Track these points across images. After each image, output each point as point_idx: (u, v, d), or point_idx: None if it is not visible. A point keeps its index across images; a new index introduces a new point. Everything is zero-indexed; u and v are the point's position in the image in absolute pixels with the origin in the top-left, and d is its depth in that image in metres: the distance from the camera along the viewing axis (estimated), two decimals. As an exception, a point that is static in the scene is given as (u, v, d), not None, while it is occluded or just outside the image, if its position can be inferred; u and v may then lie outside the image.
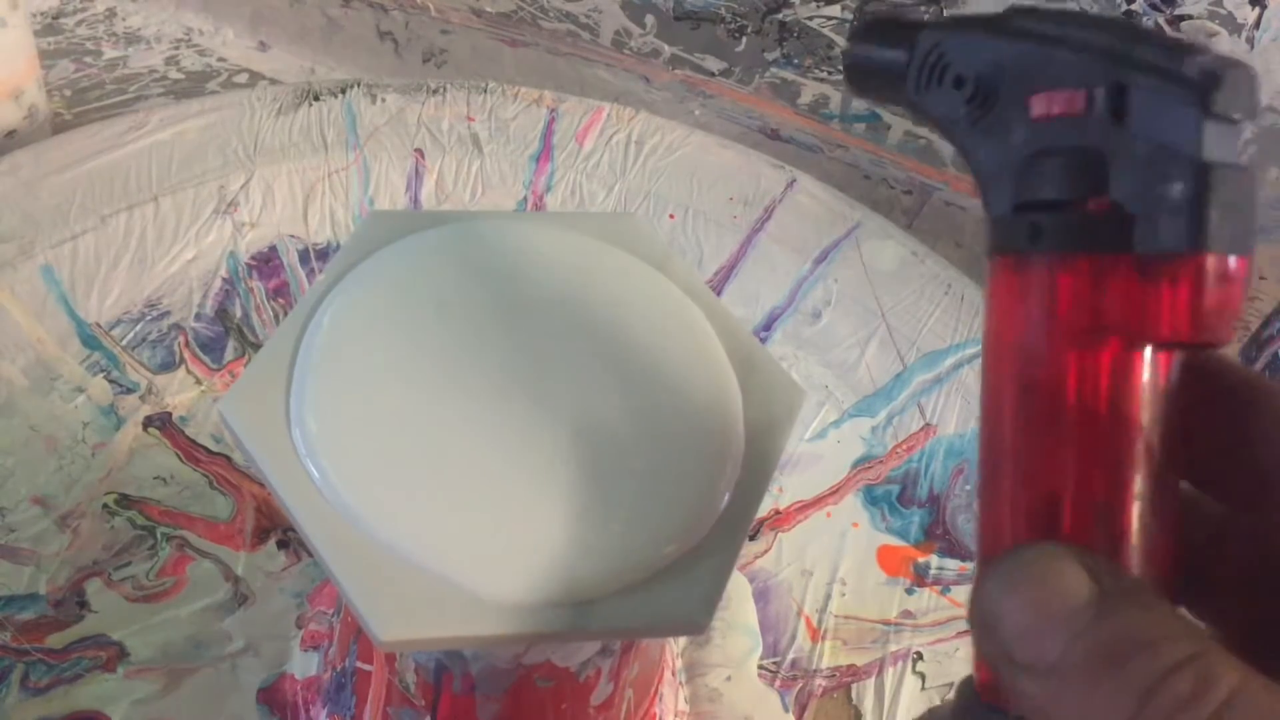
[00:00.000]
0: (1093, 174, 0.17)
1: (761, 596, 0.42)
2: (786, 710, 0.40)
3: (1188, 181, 0.17)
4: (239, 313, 0.47)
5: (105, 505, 0.40)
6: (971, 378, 0.49)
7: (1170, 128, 0.17)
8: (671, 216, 0.53)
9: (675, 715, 0.38)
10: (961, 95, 0.19)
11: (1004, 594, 0.17)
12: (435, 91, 0.55)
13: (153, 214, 0.48)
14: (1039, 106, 0.18)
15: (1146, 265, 0.17)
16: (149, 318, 0.46)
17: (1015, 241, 0.18)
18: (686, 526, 0.25)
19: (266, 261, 0.48)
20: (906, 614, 0.43)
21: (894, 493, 0.46)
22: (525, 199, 0.52)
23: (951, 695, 0.20)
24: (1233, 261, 0.17)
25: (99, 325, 0.45)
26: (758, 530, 0.44)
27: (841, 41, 0.55)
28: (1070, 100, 0.18)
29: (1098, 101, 0.17)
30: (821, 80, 0.57)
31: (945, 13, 0.20)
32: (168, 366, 0.44)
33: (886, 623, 0.42)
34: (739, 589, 0.42)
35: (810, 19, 0.55)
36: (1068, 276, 0.18)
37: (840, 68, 0.55)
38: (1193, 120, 0.17)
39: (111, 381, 0.43)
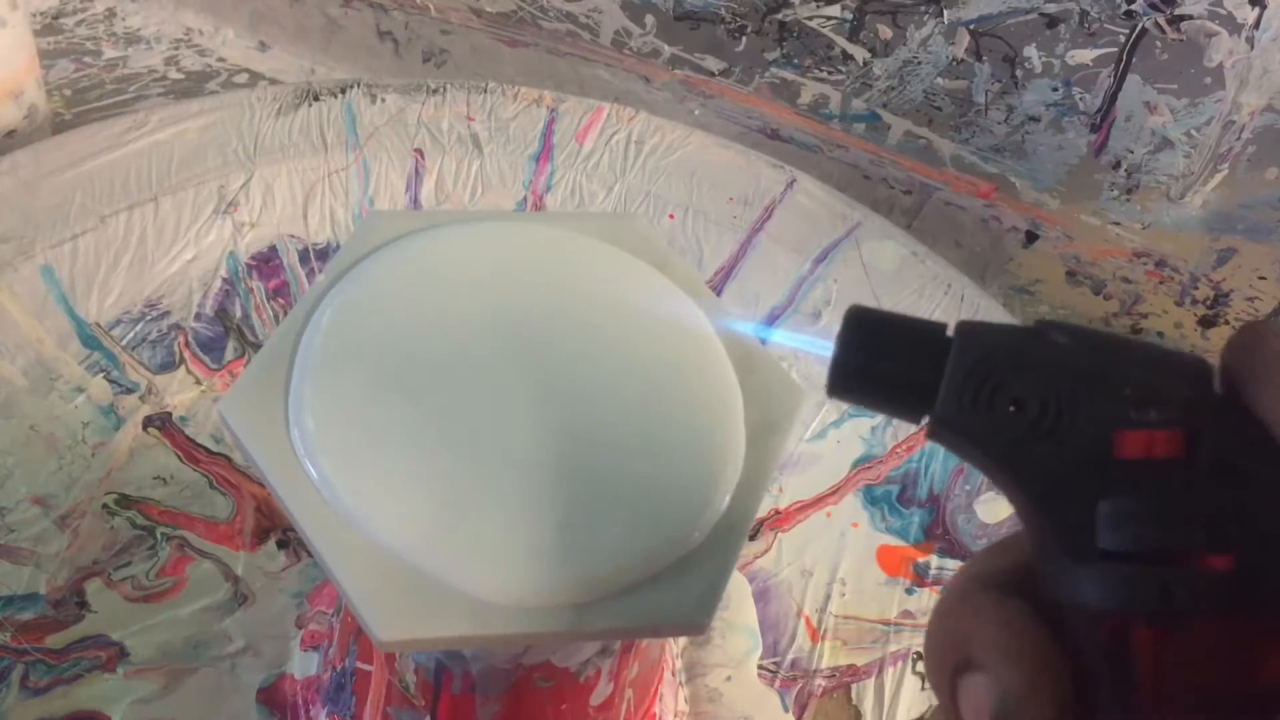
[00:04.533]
0: (1207, 524, 0.16)
1: (761, 596, 0.42)
2: (786, 710, 0.40)
3: None
4: (239, 313, 0.47)
5: (105, 505, 0.40)
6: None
7: None
8: (671, 216, 0.53)
9: (675, 715, 0.38)
10: (1021, 420, 0.17)
11: None
12: (435, 91, 0.55)
13: (153, 214, 0.48)
14: (1131, 446, 0.16)
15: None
16: (149, 318, 0.46)
17: (1138, 596, 0.16)
18: (686, 526, 0.25)
19: (266, 261, 0.48)
20: (906, 614, 0.43)
21: (894, 493, 0.46)
22: (525, 199, 0.52)
23: None
24: None
25: (99, 325, 0.45)
26: (758, 530, 0.44)
27: (842, 42, 0.55)
28: (1171, 442, 0.16)
29: (1205, 449, 0.16)
30: (821, 80, 0.57)
31: (960, 320, 0.18)
32: (168, 366, 0.44)
33: (886, 623, 0.42)
34: (739, 589, 0.42)
35: (810, 19, 0.55)
36: (1226, 637, 0.16)
37: (841, 70, 0.55)
38: None
39: (111, 381, 0.43)
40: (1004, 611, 0.17)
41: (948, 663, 0.18)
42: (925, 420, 0.18)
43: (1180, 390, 0.17)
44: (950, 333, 0.18)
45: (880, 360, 0.18)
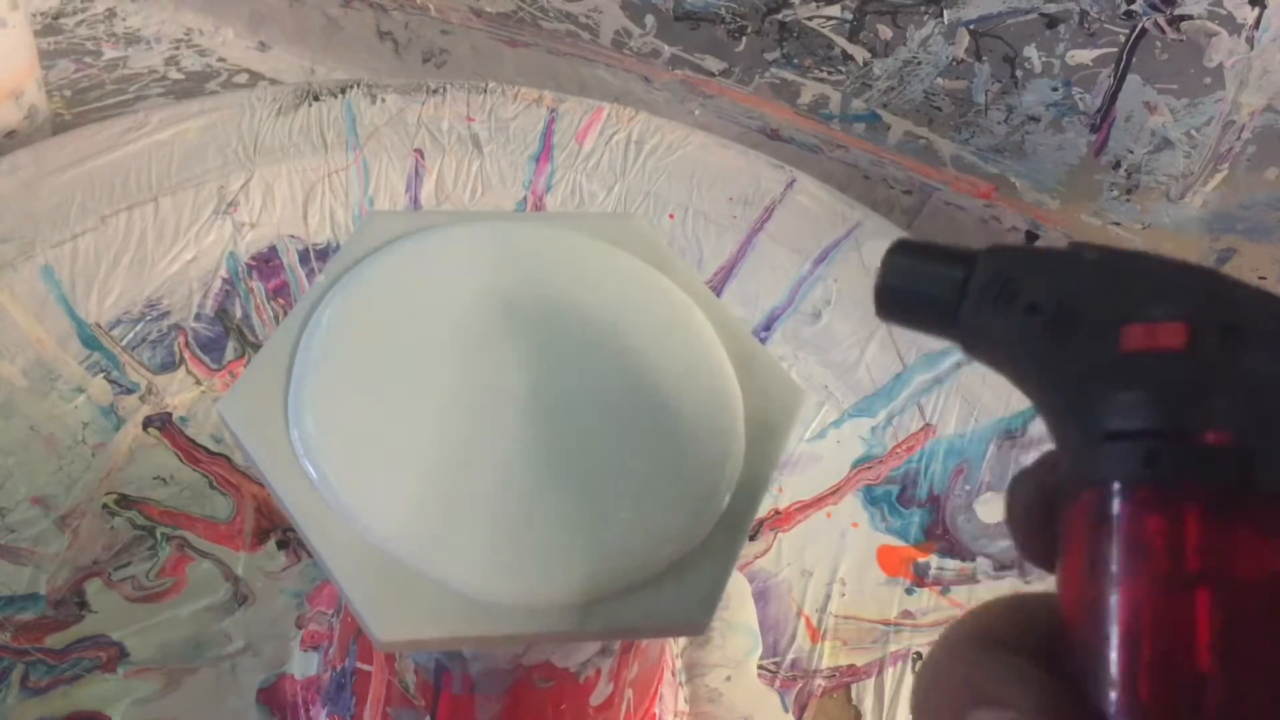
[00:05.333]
0: (1205, 407, 0.17)
1: (761, 596, 0.42)
2: (786, 710, 0.40)
3: None
4: (239, 313, 0.47)
5: (105, 505, 0.40)
6: (972, 378, 0.49)
7: None
8: (671, 216, 0.53)
9: (675, 715, 0.38)
10: (1035, 320, 0.18)
11: None
12: (435, 91, 0.55)
13: (153, 214, 0.48)
14: (1135, 339, 0.17)
15: (1267, 503, 0.16)
16: (149, 318, 0.46)
17: (1125, 468, 0.17)
18: (686, 527, 0.25)
19: (266, 261, 0.48)
20: (906, 614, 0.43)
21: (894, 493, 0.46)
22: (525, 199, 0.52)
23: None
24: None
25: (99, 325, 0.45)
26: (758, 530, 0.44)
27: (842, 42, 0.55)
28: (1174, 334, 0.17)
29: (1205, 336, 0.17)
30: (821, 80, 0.57)
31: (991, 244, 0.20)
32: (168, 366, 0.44)
33: (886, 623, 0.42)
34: (739, 589, 0.42)
35: (810, 19, 0.55)
36: (1189, 510, 0.17)
37: (841, 70, 0.55)
38: None
39: (111, 381, 0.43)
40: (1010, 660, 0.18)
41: (957, 702, 0.18)
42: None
43: (1183, 289, 0.18)
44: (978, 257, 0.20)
45: (916, 282, 0.20)
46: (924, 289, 0.20)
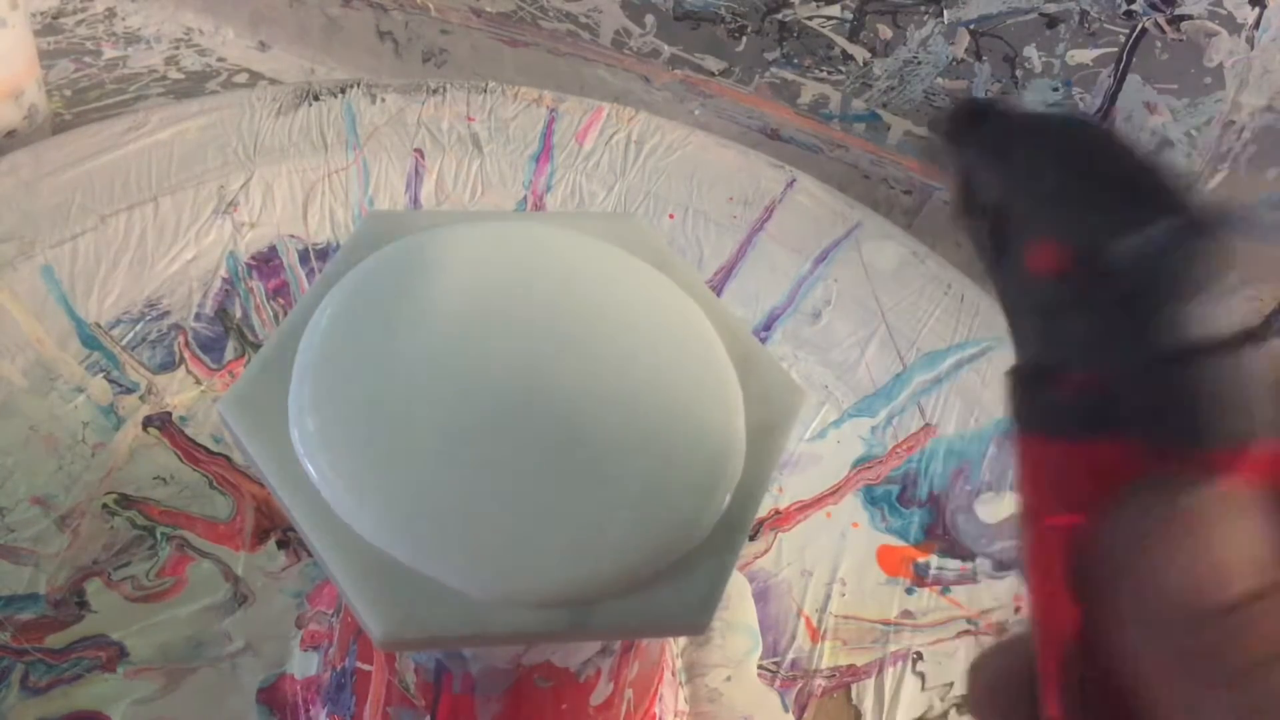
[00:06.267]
0: (1077, 344, 0.16)
1: (761, 596, 0.42)
2: (786, 710, 0.40)
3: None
4: (239, 313, 0.47)
5: (105, 505, 0.40)
6: (972, 378, 0.49)
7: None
8: (671, 216, 0.53)
9: (675, 715, 0.38)
10: (985, 227, 0.17)
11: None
12: (435, 91, 0.55)
13: (153, 214, 0.48)
14: (1034, 258, 0.16)
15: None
16: (149, 318, 0.46)
17: (1017, 411, 0.17)
18: (686, 526, 0.25)
19: (266, 261, 0.48)
20: (906, 614, 0.43)
21: (894, 493, 0.46)
22: (525, 199, 0.52)
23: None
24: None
25: (99, 325, 0.45)
26: (758, 530, 0.44)
27: (842, 42, 0.55)
28: (1061, 257, 0.16)
29: (1093, 272, 0.15)
30: (821, 80, 0.57)
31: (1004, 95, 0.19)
32: (168, 366, 0.44)
33: (886, 623, 0.42)
34: (739, 589, 0.42)
35: (810, 19, 0.55)
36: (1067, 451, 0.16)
37: (841, 70, 0.55)
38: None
39: (111, 381, 0.43)
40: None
41: None
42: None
43: (1100, 212, 0.16)
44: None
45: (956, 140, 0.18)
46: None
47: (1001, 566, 0.44)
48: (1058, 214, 0.16)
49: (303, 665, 0.37)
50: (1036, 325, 0.16)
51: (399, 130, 0.53)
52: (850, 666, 0.41)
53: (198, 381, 0.44)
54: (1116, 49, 0.49)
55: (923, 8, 0.52)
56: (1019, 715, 0.18)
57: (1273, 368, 0.15)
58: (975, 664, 0.19)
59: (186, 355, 0.45)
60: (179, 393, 0.44)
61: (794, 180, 0.55)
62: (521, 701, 0.28)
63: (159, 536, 0.40)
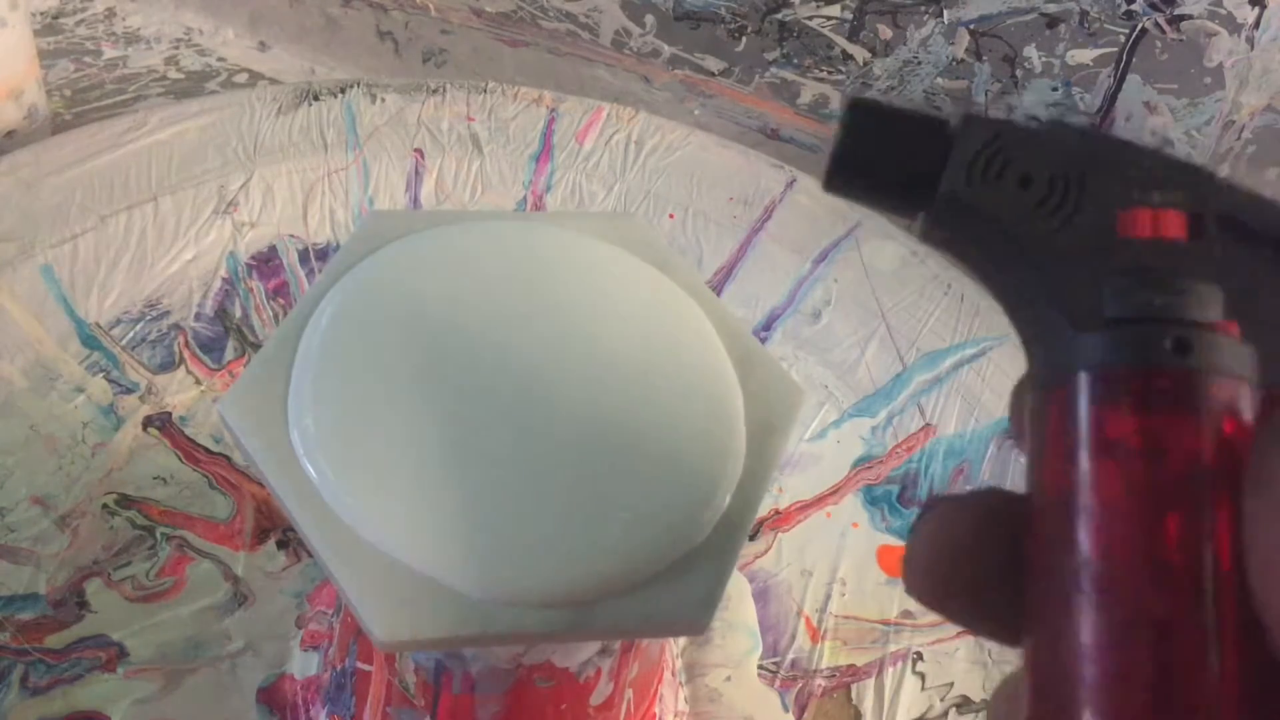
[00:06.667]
0: (1213, 298, 0.16)
1: (761, 596, 0.42)
2: (786, 710, 0.40)
3: None
4: (239, 313, 0.47)
5: (105, 505, 0.40)
6: (972, 378, 0.49)
7: None
8: (671, 216, 0.53)
9: (675, 715, 0.38)
10: (1030, 195, 0.18)
11: None
12: (435, 91, 0.55)
13: (152, 214, 0.48)
14: (1136, 224, 0.17)
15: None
16: (149, 318, 0.46)
17: (1146, 353, 0.16)
18: (686, 526, 0.25)
19: (266, 261, 0.48)
20: (906, 614, 0.43)
21: (894, 493, 0.46)
22: (525, 199, 0.52)
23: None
24: None
25: (99, 325, 0.45)
26: (758, 530, 0.44)
27: (842, 42, 0.55)
28: (1175, 222, 0.17)
29: (1205, 228, 0.17)
30: (821, 80, 0.57)
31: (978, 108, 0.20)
32: (167, 366, 0.44)
33: (886, 623, 0.42)
34: (739, 589, 0.42)
35: (810, 19, 0.55)
36: (1214, 394, 0.16)
37: (841, 70, 0.55)
38: None
39: (111, 381, 0.43)
40: None
41: None
42: (920, 217, 0.19)
43: (1183, 181, 0.17)
44: (955, 124, 0.18)
45: (883, 147, 0.18)
46: (897, 156, 0.18)
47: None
48: (1149, 183, 0.17)
49: (303, 665, 0.37)
50: (1134, 279, 0.17)
51: (399, 130, 0.53)
52: (850, 666, 0.41)
53: (198, 381, 0.44)
54: (1116, 49, 0.49)
55: (923, 8, 0.52)
56: (956, 585, 0.17)
57: None
58: (921, 523, 0.18)
59: (186, 355, 0.45)
60: (179, 393, 0.44)
61: (794, 180, 0.55)
62: (521, 701, 0.29)
63: (159, 536, 0.40)
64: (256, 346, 0.46)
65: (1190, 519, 0.16)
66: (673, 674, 0.39)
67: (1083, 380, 0.17)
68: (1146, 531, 0.16)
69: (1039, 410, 0.17)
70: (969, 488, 0.46)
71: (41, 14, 0.63)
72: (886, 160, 0.18)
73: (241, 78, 0.63)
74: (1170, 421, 0.16)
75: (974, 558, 0.17)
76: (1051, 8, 0.50)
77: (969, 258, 0.19)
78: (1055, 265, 0.17)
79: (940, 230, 0.18)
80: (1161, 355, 0.16)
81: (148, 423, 0.43)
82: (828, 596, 0.43)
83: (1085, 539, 0.16)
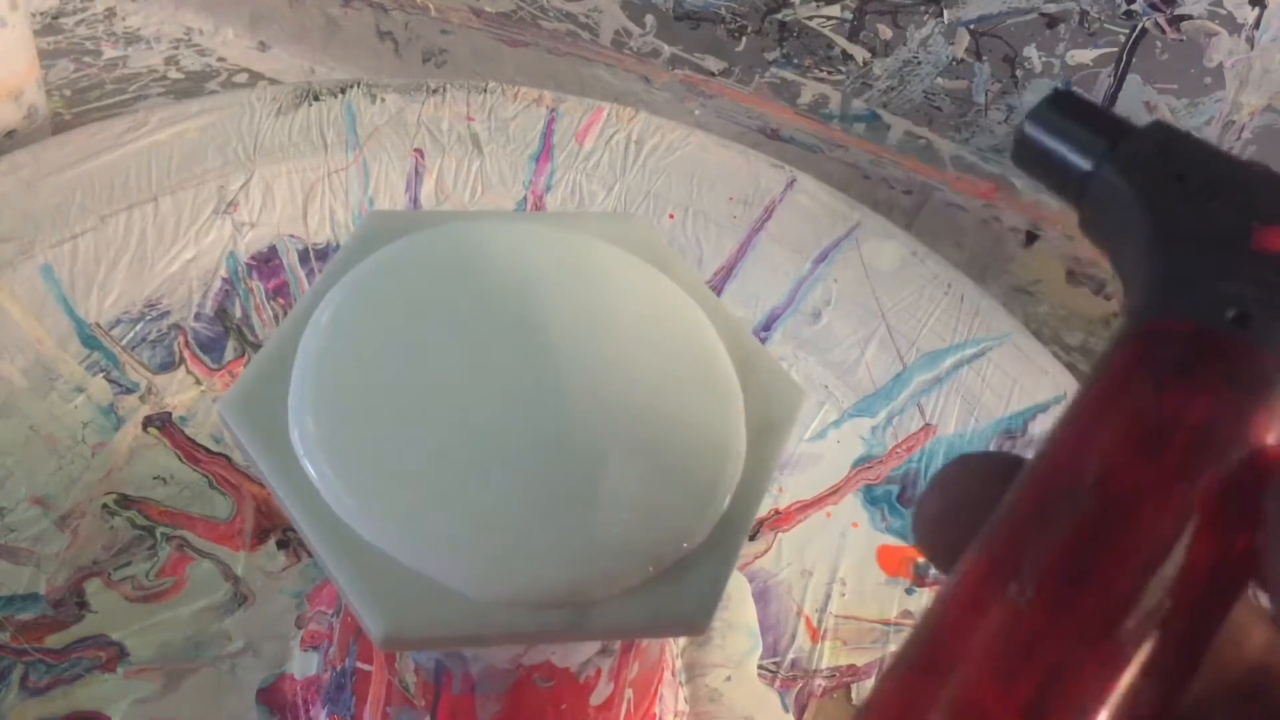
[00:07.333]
0: None
1: (761, 596, 0.42)
2: (786, 710, 0.40)
3: None
4: (239, 313, 0.47)
5: (105, 505, 0.40)
6: (972, 378, 0.49)
7: None
8: (671, 216, 0.53)
9: (675, 715, 0.38)
10: (1182, 188, 0.20)
11: None
12: (435, 91, 0.55)
13: (152, 214, 0.48)
14: (1269, 239, 0.18)
15: None
16: (149, 318, 0.46)
17: (1205, 313, 0.18)
18: (686, 526, 0.25)
19: (266, 261, 0.48)
20: (906, 614, 0.43)
21: (894, 493, 0.46)
22: (525, 199, 0.52)
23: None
24: None
25: (99, 325, 0.45)
26: (758, 530, 0.44)
27: (842, 42, 0.55)
28: None
29: None
30: (821, 80, 0.57)
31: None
32: (167, 366, 0.44)
33: (886, 623, 0.42)
34: (739, 589, 0.42)
35: (810, 19, 0.55)
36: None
37: (841, 70, 0.55)
38: None
39: (111, 381, 0.43)
40: None
41: None
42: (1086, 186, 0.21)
43: None
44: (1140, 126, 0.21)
45: (1065, 137, 0.21)
46: (1071, 144, 0.21)
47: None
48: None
49: (303, 665, 0.37)
50: (1255, 292, 0.18)
51: (399, 130, 0.53)
52: (850, 666, 0.41)
53: (198, 381, 0.44)
54: (1116, 49, 0.49)
55: (923, 8, 0.52)
56: (962, 539, 0.17)
57: None
58: (937, 475, 0.18)
59: (186, 355, 0.45)
60: (179, 393, 0.44)
61: (794, 180, 0.55)
62: (521, 701, 0.29)
63: (159, 536, 0.40)
64: (256, 346, 0.46)
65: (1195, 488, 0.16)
66: (673, 674, 0.39)
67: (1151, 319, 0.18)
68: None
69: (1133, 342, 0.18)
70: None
71: (41, 14, 0.63)
72: (1062, 150, 0.21)
73: (241, 78, 0.63)
74: (1224, 392, 0.17)
75: (982, 513, 0.17)
76: (1051, 8, 0.50)
77: (1107, 242, 0.21)
78: (1190, 253, 0.19)
79: (1088, 212, 0.21)
80: (1220, 320, 0.18)
81: (148, 423, 0.43)
82: (828, 596, 0.43)
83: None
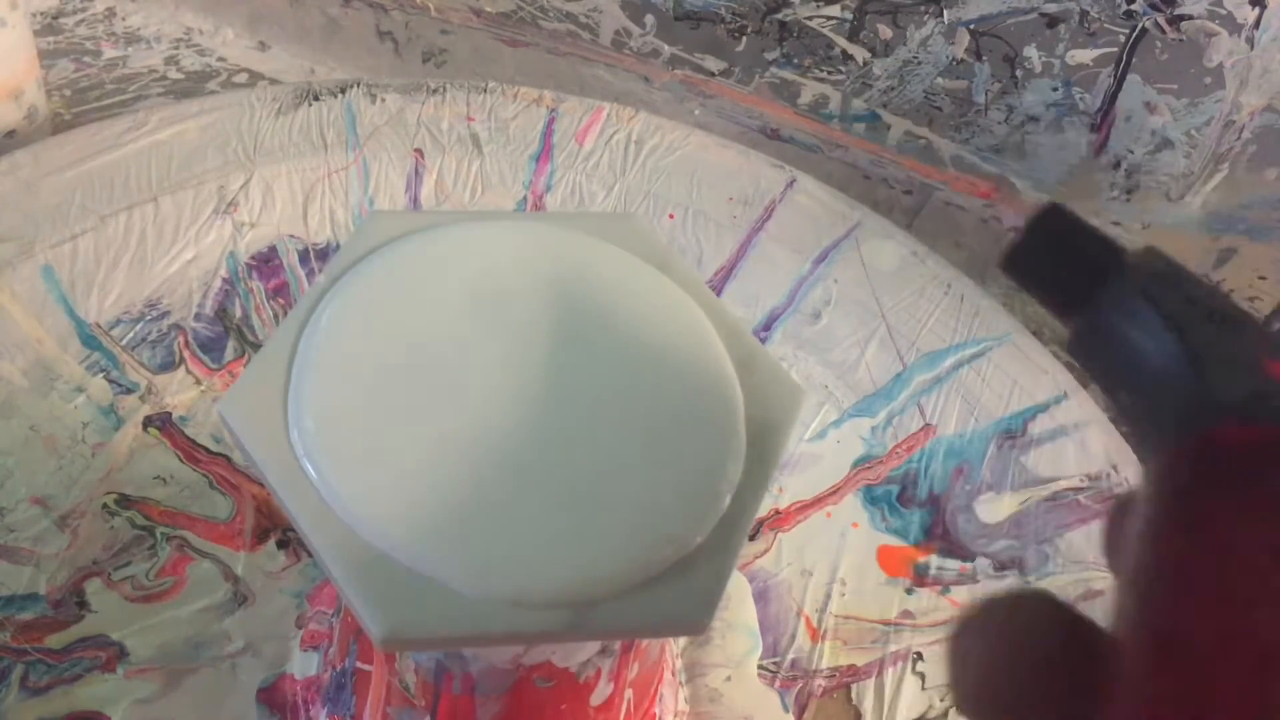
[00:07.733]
0: None
1: (761, 596, 0.42)
2: (786, 710, 0.40)
3: None
4: (239, 313, 0.47)
5: (105, 505, 0.40)
6: (972, 378, 0.49)
7: None
8: (671, 216, 0.53)
9: (675, 715, 0.38)
10: (1170, 339, 0.19)
11: None
12: (435, 91, 0.55)
13: (152, 214, 0.48)
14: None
15: None
16: (149, 318, 0.46)
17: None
18: (686, 527, 0.25)
19: (266, 261, 0.48)
20: (906, 614, 0.43)
21: (894, 493, 0.46)
22: (525, 199, 0.52)
23: None
24: None
25: (99, 325, 0.45)
26: (758, 530, 0.44)
27: (842, 42, 0.55)
28: None
29: None
30: (821, 80, 0.57)
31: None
32: (167, 366, 0.44)
33: (886, 623, 0.42)
34: (739, 589, 0.42)
35: (810, 19, 0.55)
36: None
37: (841, 70, 0.55)
38: None
39: (111, 381, 0.43)
40: None
41: None
42: (1076, 319, 0.21)
43: None
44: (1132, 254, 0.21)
45: (1062, 250, 0.21)
46: (1071, 261, 0.21)
47: (1001, 566, 0.44)
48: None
49: (303, 665, 0.37)
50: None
51: (399, 130, 0.53)
52: (850, 666, 0.41)
53: (198, 381, 0.44)
54: (1116, 49, 0.49)
55: (923, 8, 0.52)
56: (1042, 713, 0.15)
57: None
58: (959, 632, 0.17)
59: (186, 355, 0.45)
60: (179, 393, 0.44)
61: (794, 180, 0.55)
62: (521, 702, 0.29)
63: (159, 536, 0.40)
64: (256, 346, 0.46)
65: None
66: (673, 674, 0.39)
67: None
68: None
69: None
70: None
71: (41, 14, 0.63)
72: (1060, 263, 0.21)
73: (241, 78, 0.63)
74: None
75: (1028, 676, 0.16)
76: (1051, 8, 0.50)
77: (1098, 363, 0.21)
78: (1199, 363, 0.19)
79: (1081, 328, 0.20)
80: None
81: (148, 423, 0.43)
82: (828, 596, 0.43)
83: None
